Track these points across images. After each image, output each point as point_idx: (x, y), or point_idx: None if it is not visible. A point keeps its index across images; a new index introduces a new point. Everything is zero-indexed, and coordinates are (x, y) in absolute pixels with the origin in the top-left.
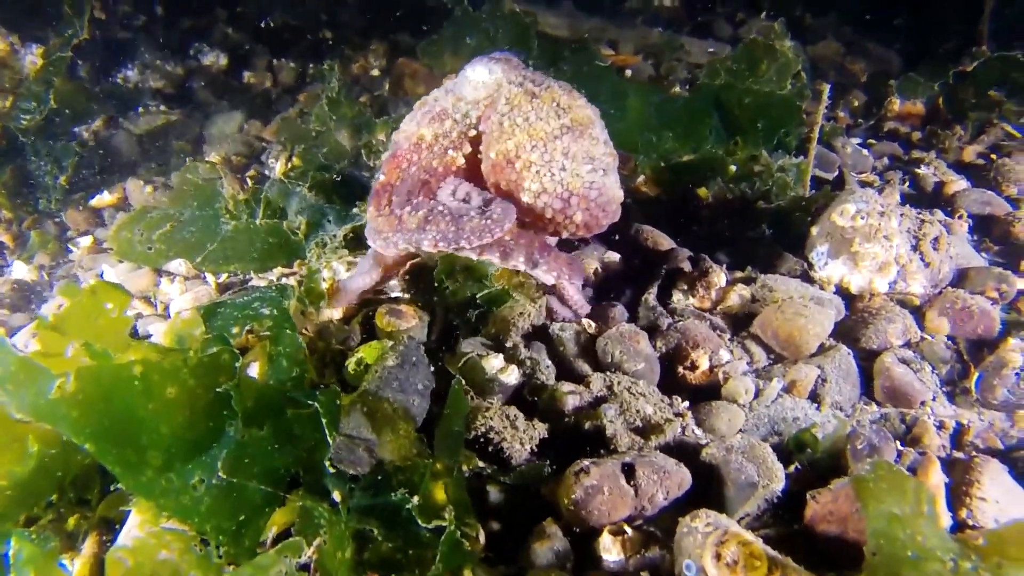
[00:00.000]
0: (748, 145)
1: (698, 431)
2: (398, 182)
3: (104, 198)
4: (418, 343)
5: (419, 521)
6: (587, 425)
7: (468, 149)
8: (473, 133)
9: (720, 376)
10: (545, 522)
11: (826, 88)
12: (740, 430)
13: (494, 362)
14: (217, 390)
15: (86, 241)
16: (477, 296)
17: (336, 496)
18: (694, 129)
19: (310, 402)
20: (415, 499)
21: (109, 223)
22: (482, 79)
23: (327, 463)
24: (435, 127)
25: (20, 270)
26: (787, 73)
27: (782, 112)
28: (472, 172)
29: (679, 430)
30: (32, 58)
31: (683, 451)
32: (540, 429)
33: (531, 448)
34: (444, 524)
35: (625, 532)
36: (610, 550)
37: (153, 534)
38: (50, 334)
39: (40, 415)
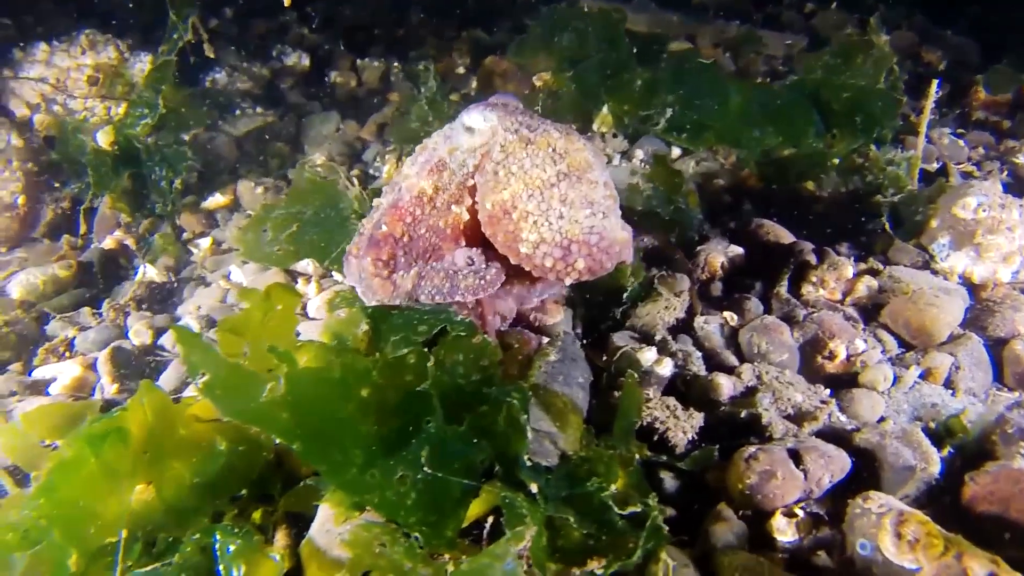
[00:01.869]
0: (845, 139)
1: (843, 417)
2: (404, 238)
3: (217, 200)
4: (574, 338)
5: (615, 508)
6: (742, 413)
7: (469, 201)
8: (471, 183)
9: (858, 365)
10: (720, 506)
11: (934, 83)
12: (881, 417)
13: (648, 355)
14: (417, 389)
15: (205, 243)
16: (625, 291)
17: (533, 487)
18: (794, 124)
19: (503, 397)
20: (612, 487)
21: (223, 225)
22: (478, 126)
23: (524, 456)
24: (434, 179)
25: (150, 272)
26: (883, 67)
27: (881, 106)
28: (477, 226)
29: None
30: (142, 65)
31: (836, 437)
32: (697, 418)
33: (692, 436)
34: (636, 510)
35: (797, 514)
36: (785, 531)
37: (364, 526)
38: (227, 336)
39: (250, 418)
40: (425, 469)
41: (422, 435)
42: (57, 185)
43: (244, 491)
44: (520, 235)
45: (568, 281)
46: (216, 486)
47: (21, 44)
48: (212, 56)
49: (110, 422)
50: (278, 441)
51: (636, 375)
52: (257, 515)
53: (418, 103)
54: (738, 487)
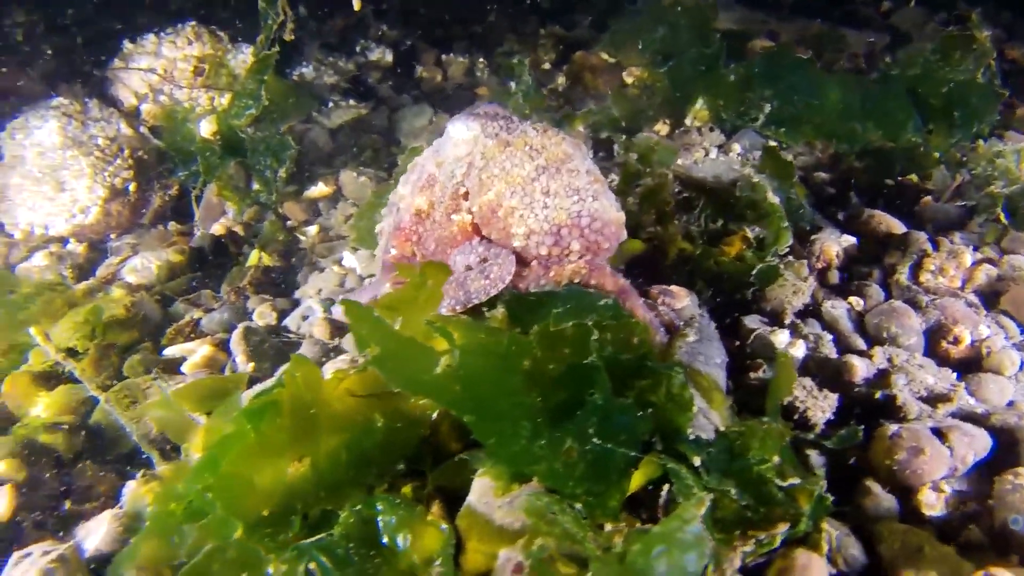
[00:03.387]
0: (942, 134)
1: (972, 401)
2: (416, 256)
3: (321, 189)
4: (710, 320)
5: (775, 481)
6: (877, 395)
7: (466, 207)
8: (463, 190)
9: (984, 350)
10: (867, 481)
11: None
12: (1010, 401)
13: (782, 337)
14: (584, 362)
15: (312, 230)
16: (752, 273)
17: (696, 459)
18: (893, 118)
19: (664, 372)
20: (775, 459)
21: (325, 213)
22: (462, 136)
23: (688, 429)
24: (427, 195)
25: (262, 258)
26: (983, 62)
27: (980, 101)
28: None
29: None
30: (243, 57)
31: (970, 419)
32: (832, 399)
33: (829, 416)
34: (795, 482)
35: (944, 490)
36: (934, 506)
37: (535, 496)
38: (383, 311)
39: (422, 390)
40: (594, 440)
41: (588, 407)
42: (164, 174)
43: (400, 466)
44: (511, 230)
45: (570, 264)
46: (372, 461)
47: (131, 36)
48: (291, 38)
49: (268, 397)
50: (435, 416)
51: (788, 353)
52: (407, 490)
53: (513, 96)
54: (885, 463)
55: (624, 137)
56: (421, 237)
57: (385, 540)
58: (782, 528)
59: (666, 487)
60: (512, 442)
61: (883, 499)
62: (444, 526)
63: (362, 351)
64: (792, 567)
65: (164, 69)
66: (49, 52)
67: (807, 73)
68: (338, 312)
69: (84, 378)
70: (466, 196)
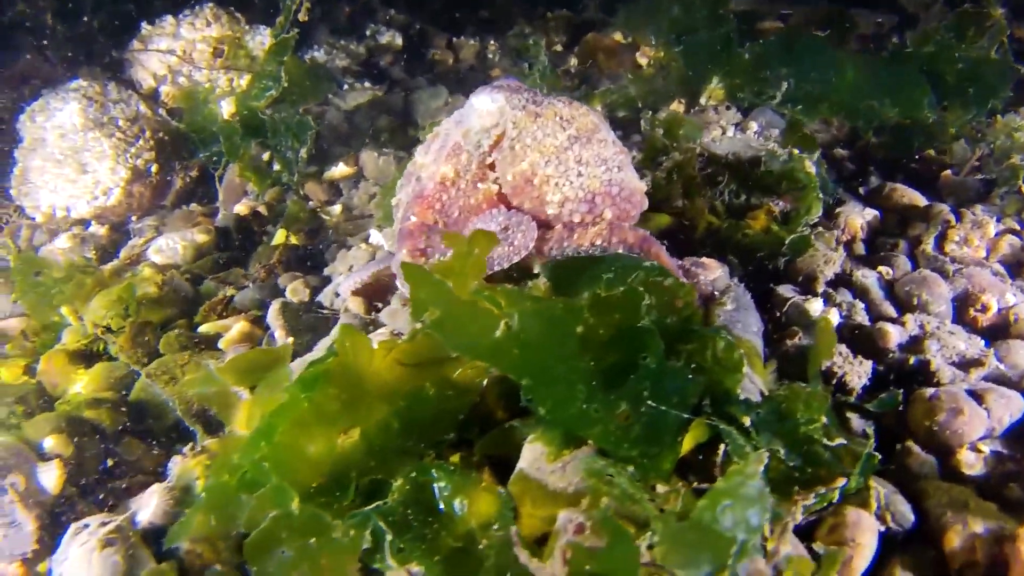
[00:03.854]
0: (956, 110)
1: (1003, 366)
2: (438, 224)
3: (342, 170)
4: (745, 289)
5: (823, 441)
6: (911, 360)
7: (492, 177)
8: (489, 160)
9: (1012, 317)
10: (907, 443)
11: None
12: None
13: (816, 305)
14: (637, 325)
15: (336, 209)
16: (784, 244)
17: (745, 421)
18: (909, 95)
19: (711, 335)
20: (823, 420)
21: (346, 193)
22: (487, 108)
23: (738, 391)
24: (453, 163)
25: (289, 237)
26: (997, 39)
27: (995, 77)
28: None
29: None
30: (261, 39)
31: (1002, 382)
32: (867, 365)
33: (865, 381)
34: (842, 442)
35: (983, 450)
36: (974, 465)
37: (591, 459)
38: None
39: (481, 354)
40: (648, 403)
41: (642, 370)
42: (185, 155)
43: (451, 435)
44: (545, 198)
45: (593, 227)
46: (423, 430)
47: (150, 19)
48: (305, 19)
49: (321, 367)
50: (484, 384)
51: (828, 318)
52: (455, 459)
53: (530, 77)
54: (925, 424)
55: (650, 112)
56: (445, 205)
57: (442, 506)
58: (840, 482)
59: (722, 447)
60: (568, 405)
61: (925, 459)
62: (501, 490)
63: (418, 317)
64: (843, 523)
65: (183, 50)
66: (67, 36)
67: (822, 52)
68: (347, 286)
69: (123, 355)
70: (493, 166)
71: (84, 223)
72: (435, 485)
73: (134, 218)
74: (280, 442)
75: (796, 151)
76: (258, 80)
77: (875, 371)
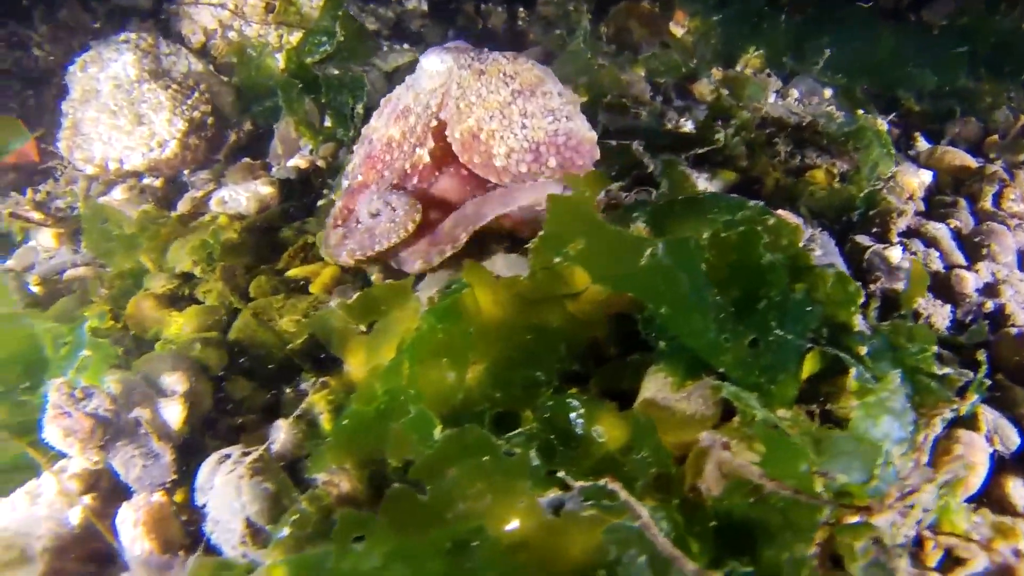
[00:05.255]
0: (992, 79)
1: None
2: (374, 185)
3: None
4: (830, 237)
5: (932, 370)
6: (989, 305)
7: (432, 144)
8: (435, 123)
9: None
10: (997, 376)
11: None
12: None
13: (895, 252)
14: (761, 261)
15: None
16: (857, 198)
17: (862, 350)
18: (948, 65)
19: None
20: (933, 348)
21: None
22: (436, 68)
23: (854, 321)
24: (401, 124)
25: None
26: None
27: None
28: (439, 164)
29: None
30: None
31: None
32: (946, 308)
33: (948, 323)
34: (948, 371)
35: None
36: None
37: (719, 385)
38: None
39: (627, 285)
40: (776, 332)
41: (769, 302)
42: (238, 109)
43: (576, 367)
44: (492, 151)
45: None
46: (545, 363)
47: None
48: None
49: (453, 298)
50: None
51: (918, 260)
52: (574, 392)
53: (574, 41)
54: (1014, 359)
55: (718, 72)
56: (384, 165)
57: (580, 432)
58: (973, 399)
59: (853, 370)
60: (703, 334)
61: (1019, 391)
62: (642, 418)
63: (553, 251)
64: (956, 443)
65: (235, 5)
66: None
67: (863, 20)
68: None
69: (210, 298)
70: (437, 130)
71: (137, 176)
72: (571, 414)
73: (186, 172)
74: (419, 372)
75: (861, 112)
76: (312, 35)
77: (953, 315)
